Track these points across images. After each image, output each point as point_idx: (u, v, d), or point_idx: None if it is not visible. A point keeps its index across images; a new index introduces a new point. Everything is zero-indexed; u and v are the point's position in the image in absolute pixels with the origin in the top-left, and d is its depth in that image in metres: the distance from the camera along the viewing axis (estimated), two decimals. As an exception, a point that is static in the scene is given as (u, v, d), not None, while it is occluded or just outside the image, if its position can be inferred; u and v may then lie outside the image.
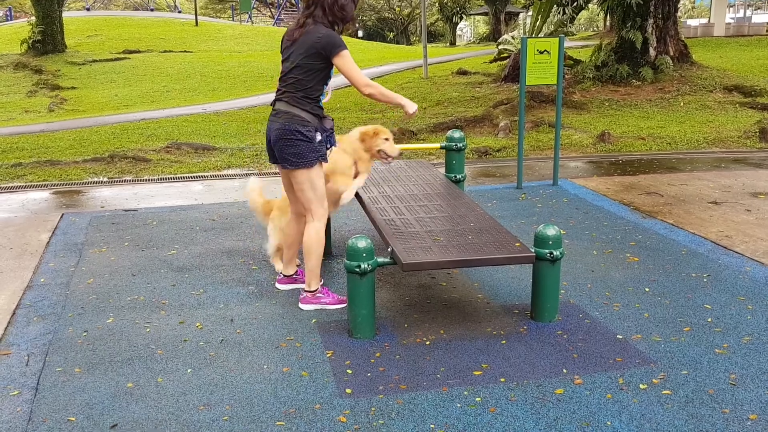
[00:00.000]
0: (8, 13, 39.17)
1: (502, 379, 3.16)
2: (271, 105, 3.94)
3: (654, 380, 3.13)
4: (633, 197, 6.52)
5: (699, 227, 5.50)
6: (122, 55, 22.30)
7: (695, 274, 4.48)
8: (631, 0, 12.95)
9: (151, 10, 38.60)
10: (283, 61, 3.88)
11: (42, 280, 4.60)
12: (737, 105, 12.07)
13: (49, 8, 20.81)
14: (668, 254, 4.88)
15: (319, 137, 3.80)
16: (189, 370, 3.32)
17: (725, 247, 5.00)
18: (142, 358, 3.44)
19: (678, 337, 3.57)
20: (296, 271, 4.36)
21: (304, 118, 3.77)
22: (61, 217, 6.19)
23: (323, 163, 3.90)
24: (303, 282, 4.25)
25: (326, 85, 3.87)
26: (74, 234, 5.65)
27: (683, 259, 4.78)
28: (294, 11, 42.24)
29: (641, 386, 3.08)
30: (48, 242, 5.45)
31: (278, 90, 3.88)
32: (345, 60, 3.72)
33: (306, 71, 3.75)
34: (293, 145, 3.77)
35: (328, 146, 3.93)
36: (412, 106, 3.94)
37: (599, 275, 4.50)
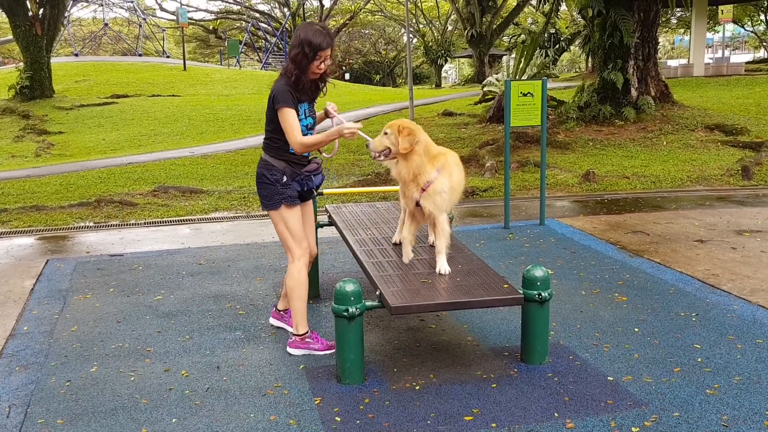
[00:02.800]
0: (-4, 59, 39.43)
1: (494, 425, 3.12)
2: None
3: (646, 423, 3.10)
4: (619, 236, 6.55)
5: (686, 266, 5.52)
6: (110, 100, 22.41)
7: (684, 313, 4.49)
8: (626, 40, 13.19)
9: (140, 55, 38.94)
10: None
11: (25, 328, 4.53)
12: (719, 143, 12.26)
13: (38, 54, 20.97)
14: (656, 293, 4.89)
15: (285, 179, 3.89)
16: (174, 420, 3.25)
17: (712, 286, 5.01)
18: (126, 408, 3.37)
19: (668, 378, 3.55)
20: (286, 309, 4.34)
21: (269, 163, 3.90)
22: (46, 263, 6.13)
23: (296, 206, 3.94)
24: (290, 324, 4.24)
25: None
26: (59, 280, 5.58)
27: (671, 298, 4.79)
28: (281, 55, 42.77)
29: (633, 429, 3.04)
30: (32, 289, 5.38)
31: None
32: (283, 116, 3.75)
33: (267, 120, 3.90)
34: (260, 187, 3.95)
35: (306, 188, 4.00)
36: (348, 128, 3.76)
37: (588, 315, 4.49)
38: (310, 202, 4.22)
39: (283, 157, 3.90)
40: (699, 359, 3.76)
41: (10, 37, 24.81)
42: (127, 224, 7.92)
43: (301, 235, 3.98)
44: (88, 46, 42.75)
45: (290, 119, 3.74)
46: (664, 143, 12.42)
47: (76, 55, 36.34)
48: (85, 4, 39.76)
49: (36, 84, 21.10)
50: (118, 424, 3.23)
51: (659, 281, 5.16)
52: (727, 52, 41.73)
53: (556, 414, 3.20)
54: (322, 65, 3.79)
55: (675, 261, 5.67)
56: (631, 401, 3.30)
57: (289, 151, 3.88)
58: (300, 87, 3.79)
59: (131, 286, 5.37)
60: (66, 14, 29.31)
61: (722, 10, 27.36)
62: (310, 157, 4.03)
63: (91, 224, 7.97)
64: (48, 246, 6.97)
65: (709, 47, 41.19)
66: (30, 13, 20.55)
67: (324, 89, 4.02)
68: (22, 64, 22.06)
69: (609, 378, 3.56)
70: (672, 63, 31.13)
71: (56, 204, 8.94)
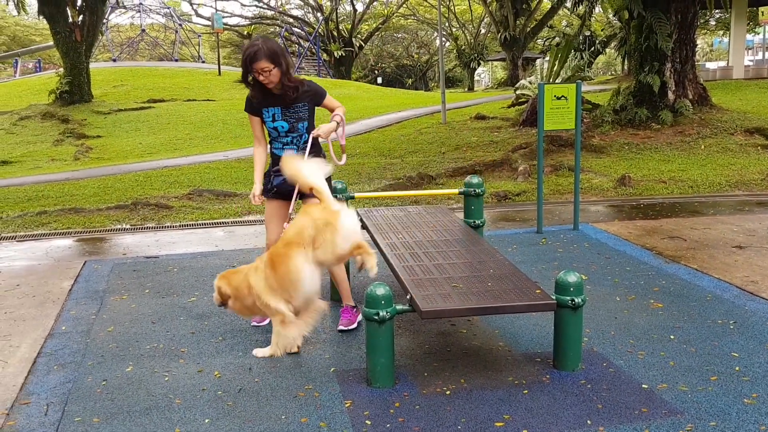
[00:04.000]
0: (37, 65, 40.41)
1: (525, 431, 3.09)
2: None
3: (681, 432, 3.04)
4: (655, 242, 6.45)
5: (724, 272, 5.41)
6: (147, 104, 22.80)
7: (721, 320, 4.39)
8: (661, 44, 12.98)
9: (176, 60, 39.54)
10: None
11: (63, 328, 4.63)
12: (759, 147, 11.99)
13: (77, 60, 21.44)
14: (693, 300, 4.80)
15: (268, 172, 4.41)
16: (207, 420, 3.29)
17: (751, 293, 4.90)
18: (160, 408, 3.43)
19: (705, 386, 3.48)
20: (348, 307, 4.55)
21: None
22: (84, 264, 6.26)
23: (269, 200, 4.39)
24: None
25: (272, 136, 4.31)
26: (96, 281, 5.70)
27: (708, 305, 4.69)
28: (314, 60, 43.05)
29: (668, 438, 2.99)
30: (70, 290, 5.49)
31: None
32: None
33: None
34: None
35: (269, 185, 4.36)
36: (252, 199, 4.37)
37: (623, 322, 4.42)
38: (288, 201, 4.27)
39: (270, 153, 4.40)
40: (737, 368, 3.68)
41: (51, 43, 25.40)
42: (162, 227, 8.05)
43: (267, 226, 4.41)
44: (126, 52, 43.54)
45: (251, 124, 4.37)
46: (702, 147, 12.19)
47: (114, 60, 37.07)
48: (123, 10, 40.57)
49: (75, 89, 21.57)
50: (153, 423, 3.28)
51: (696, 288, 5.07)
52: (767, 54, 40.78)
53: (588, 421, 3.16)
54: (261, 77, 4.08)
55: (712, 267, 5.56)
56: (666, 410, 3.25)
57: (273, 149, 4.35)
58: (260, 95, 4.20)
59: (166, 288, 5.45)
60: (104, 21, 29.90)
61: (763, 12, 26.76)
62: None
63: (128, 226, 8.11)
64: (86, 247, 7.12)
65: (749, 49, 40.31)
66: (70, 20, 21.04)
67: (296, 93, 4.21)
68: (62, 69, 22.56)
69: (643, 386, 3.51)
70: (710, 65, 30.52)
71: (94, 206, 9.13)
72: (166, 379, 3.77)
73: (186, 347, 4.21)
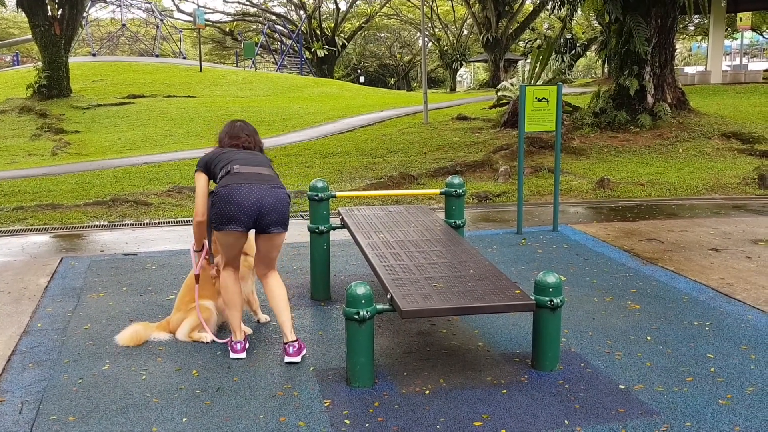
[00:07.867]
0: (15, 59, 39.84)
1: (503, 431, 3.11)
2: (237, 172, 4.05)
3: (657, 432, 3.08)
4: (633, 243, 6.51)
5: (700, 274, 5.48)
6: (126, 100, 22.56)
7: (697, 322, 4.45)
8: (638, 48, 13.12)
9: (156, 56, 39.18)
10: (246, 148, 4.54)
11: (39, 325, 4.57)
12: (735, 152, 12.16)
13: (56, 54, 21.16)
14: (669, 302, 4.85)
15: None
16: (184, 419, 3.26)
17: (727, 295, 4.97)
18: (137, 407, 3.39)
19: (681, 387, 3.52)
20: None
21: None
22: (61, 261, 6.18)
23: None
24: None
25: None
26: (73, 278, 5.63)
27: (684, 306, 4.75)
28: (296, 58, 42.91)
29: (644, 438, 3.02)
30: (46, 286, 5.42)
31: (253, 161, 4.18)
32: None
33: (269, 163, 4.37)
34: (288, 210, 4.01)
35: None
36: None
37: (600, 323, 4.47)
38: None
39: None
40: (712, 369, 3.73)
41: (29, 36, 25.05)
42: (141, 224, 7.97)
43: None
44: (106, 47, 43.05)
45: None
46: (680, 151, 12.34)
47: (94, 55, 36.63)
48: (103, 4, 40.08)
49: (54, 83, 21.29)
50: (129, 422, 3.25)
51: (673, 290, 5.13)
52: (745, 60, 41.32)
53: (566, 421, 3.18)
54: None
55: (689, 269, 5.63)
56: (643, 410, 3.28)
57: None
58: None
59: (144, 285, 5.40)
60: (84, 14, 29.54)
61: (741, 17, 27.14)
62: None
63: (106, 223, 8.03)
64: (63, 244, 7.03)
65: (727, 54, 40.88)
66: (49, 13, 20.77)
67: None
68: (40, 63, 22.27)
69: (620, 386, 3.54)
70: (689, 70, 30.85)
71: (72, 202, 9.02)
72: (144, 377, 3.73)
73: (163, 346, 4.18)
